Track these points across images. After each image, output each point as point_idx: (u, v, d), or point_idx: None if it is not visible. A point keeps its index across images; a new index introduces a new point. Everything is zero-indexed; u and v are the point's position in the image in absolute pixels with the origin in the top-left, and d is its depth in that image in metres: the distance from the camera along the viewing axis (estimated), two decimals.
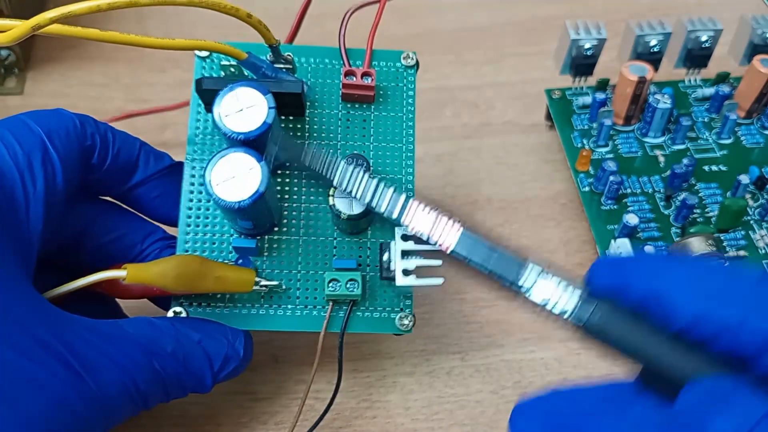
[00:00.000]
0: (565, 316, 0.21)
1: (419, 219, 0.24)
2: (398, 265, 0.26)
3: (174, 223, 0.29)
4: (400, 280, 0.26)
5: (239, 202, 0.24)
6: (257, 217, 0.27)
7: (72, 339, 0.23)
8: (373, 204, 0.25)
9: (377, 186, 0.25)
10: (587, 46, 0.39)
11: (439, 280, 0.26)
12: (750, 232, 0.36)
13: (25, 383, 0.22)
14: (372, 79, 0.29)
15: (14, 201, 0.24)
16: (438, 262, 0.26)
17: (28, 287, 0.24)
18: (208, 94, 0.27)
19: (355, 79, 0.29)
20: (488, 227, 0.38)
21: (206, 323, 0.27)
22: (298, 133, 0.30)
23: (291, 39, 0.32)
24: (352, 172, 0.25)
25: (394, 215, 0.24)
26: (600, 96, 0.39)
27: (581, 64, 0.40)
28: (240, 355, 0.27)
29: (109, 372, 0.24)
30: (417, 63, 0.31)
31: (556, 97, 0.41)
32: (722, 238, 0.35)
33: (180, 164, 0.29)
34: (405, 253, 0.26)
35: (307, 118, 0.30)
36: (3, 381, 0.21)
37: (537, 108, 0.43)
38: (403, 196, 0.24)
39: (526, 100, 0.44)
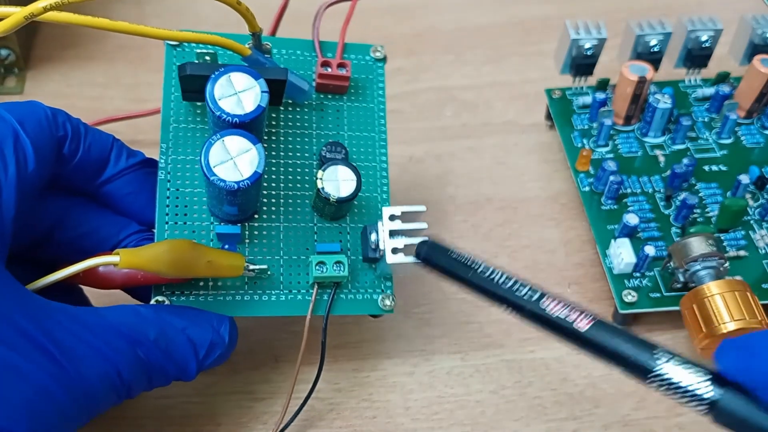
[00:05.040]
0: (696, 401, 0.21)
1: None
2: (387, 244, 0.27)
3: (146, 221, 0.29)
4: (391, 258, 0.27)
5: (239, 182, 0.25)
6: (248, 201, 0.27)
7: (52, 327, 0.23)
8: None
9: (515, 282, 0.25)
10: (587, 45, 0.39)
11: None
12: (750, 232, 0.36)
13: (4, 371, 0.22)
14: (347, 70, 0.30)
15: None
16: (425, 239, 0.27)
17: (3, 273, 0.23)
18: (190, 80, 0.27)
19: (330, 69, 0.30)
20: (489, 227, 0.38)
21: (191, 310, 0.27)
22: (273, 122, 0.30)
23: (273, 31, 0.32)
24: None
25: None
26: (600, 96, 0.39)
27: (581, 63, 0.40)
28: (225, 342, 0.27)
29: (90, 360, 0.23)
30: (385, 56, 0.32)
31: (556, 96, 0.41)
32: (722, 238, 0.35)
33: (154, 161, 0.29)
34: (393, 233, 0.27)
35: (282, 108, 0.30)
36: None
37: (537, 108, 0.43)
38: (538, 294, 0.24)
39: (526, 100, 0.44)
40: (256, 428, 0.31)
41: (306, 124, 0.30)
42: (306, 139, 0.30)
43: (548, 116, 0.42)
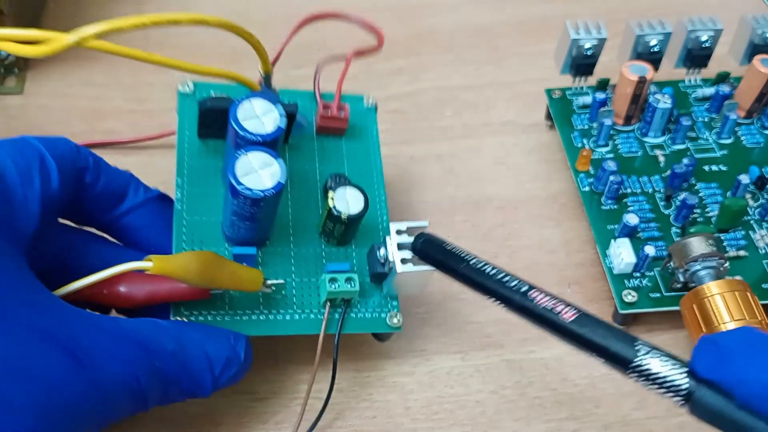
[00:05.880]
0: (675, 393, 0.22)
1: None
2: (396, 255, 0.29)
3: (159, 253, 0.29)
4: (400, 268, 0.29)
5: (264, 191, 0.26)
6: (267, 217, 0.28)
7: (73, 329, 0.24)
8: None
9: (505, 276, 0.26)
10: (587, 45, 0.39)
11: (432, 267, 0.28)
12: (750, 232, 0.36)
13: (20, 370, 0.22)
14: (345, 113, 0.33)
15: (13, 199, 0.25)
16: None
17: (25, 272, 0.24)
18: (209, 114, 0.30)
19: (331, 112, 0.33)
20: (489, 227, 0.38)
21: (209, 326, 0.28)
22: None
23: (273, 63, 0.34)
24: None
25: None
26: (600, 96, 0.39)
27: (581, 63, 0.40)
28: (241, 359, 0.28)
29: (109, 365, 0.24)
30: (376, 105, 0.35)
31: (556, 96, 0.41)
32: (722, 238, 0.35)
33: (167, 196, 0.30)
34: (400, 246, 0.29)
35: (287, 146, 0.33)
36: None
37: (537, 108, 0.43)
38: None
39: (526, 100, 0.44)
40: (256, 428, 0.31)
41: (310, 161, 0.33)
42: (310, 174, 0.33)
43: (548, 116, 0.42)
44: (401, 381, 0.33)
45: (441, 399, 0.32)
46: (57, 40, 0.23)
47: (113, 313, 0.29)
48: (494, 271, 0.26)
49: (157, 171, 0.40)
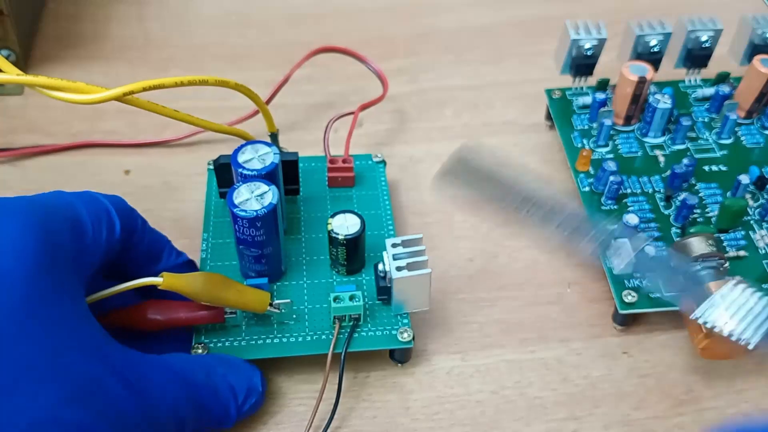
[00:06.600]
0: None
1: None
2: (392, 264, 0.30)
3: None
4: (396, 275, 0.30)
5: (257, 211, 0.30)
6: (269, 243, 0.31)
7: (126, 359, 0.26)
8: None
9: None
10: (587, 46, 0.39)
11: (427, 270, 0.30)
12: (750, 232, 0.36)
13: (82, 393, 0.24)
14: (350, 164, 0.37)
15: (86, 241, 0.27)
16: (425, 258, 0.30)
17: (87, 308, 0.26)
18: (221, 169, 0.35)
19: (337, 164, 0.37)
20: (489, 227, 0.38)
21: (228, 358, 0.30)
22: (294, 212, 0.36)
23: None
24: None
25: None
26: (600, 96, 0.39)
27: (581, 64, 0.40)
28: (259, 389, 0.30)
29: (156, 393, 0.26)
30: (384, 160, 0.38)
31: (556, 97, 0.41)
32: (722, 238, 0.35)
33: (194, 262, 0.34)
34: (395, 256, 0.31)
35: (300, 198, 0.37)
36: (84, 384, 0.24)
37: (537, 108, 0.43)
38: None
39: (526, 100, 0.44)
40: (257, 428, 0.31)
41: (322, 210, 0.36)
42: (323, 220, 0.36)
43: (548, 116, 0.42)
44: (401, 381, 0.33)
45: (441, 399, 0.32)
46: (110, 92, 0.29)
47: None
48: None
49: (157, 171, 0.40)
